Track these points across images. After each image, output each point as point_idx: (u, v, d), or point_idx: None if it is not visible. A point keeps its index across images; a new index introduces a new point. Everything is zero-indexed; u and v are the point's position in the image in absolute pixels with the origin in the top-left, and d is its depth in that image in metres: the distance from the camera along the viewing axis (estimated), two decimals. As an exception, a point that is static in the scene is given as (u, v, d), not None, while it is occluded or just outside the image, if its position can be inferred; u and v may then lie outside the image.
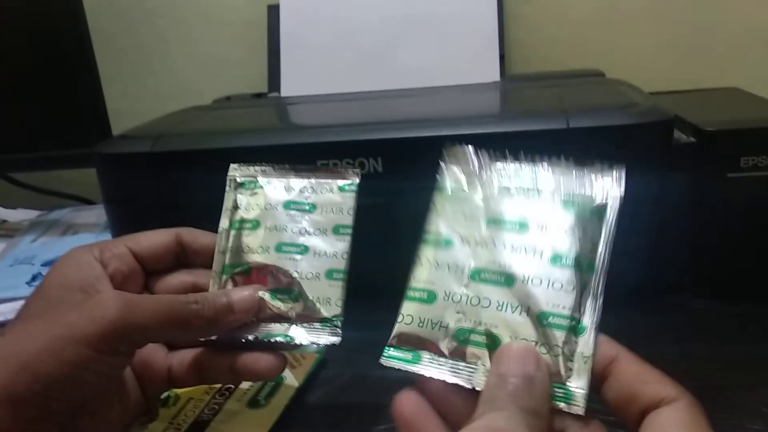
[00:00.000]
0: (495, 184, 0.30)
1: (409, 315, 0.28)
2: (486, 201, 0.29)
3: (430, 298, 0.28)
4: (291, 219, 0.35)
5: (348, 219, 0.35)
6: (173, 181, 0.48)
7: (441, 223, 0.29)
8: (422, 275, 0.28)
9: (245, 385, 0.39)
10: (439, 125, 0.48)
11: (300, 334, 0.32)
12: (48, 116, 0.70)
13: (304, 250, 0.34)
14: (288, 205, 0.35)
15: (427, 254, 0.29)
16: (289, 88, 0.71)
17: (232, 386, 0.39)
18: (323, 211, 0.35)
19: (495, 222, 0.29)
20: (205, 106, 0.69)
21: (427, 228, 0.29)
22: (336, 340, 0.32)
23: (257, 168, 0.36)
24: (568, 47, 0.77)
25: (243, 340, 0.32)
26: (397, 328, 0.28)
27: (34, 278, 0.59)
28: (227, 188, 0.36)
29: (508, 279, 0.27)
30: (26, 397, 0.25)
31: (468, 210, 0.29)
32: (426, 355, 0.27)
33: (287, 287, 0.33)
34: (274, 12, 0.74)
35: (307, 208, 0.35)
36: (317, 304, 0.33)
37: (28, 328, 0.27)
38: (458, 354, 0.27)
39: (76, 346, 0.25)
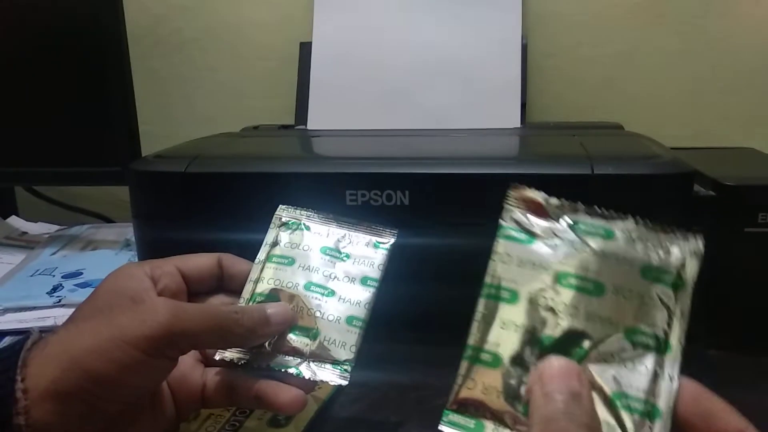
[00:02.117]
0: (566, 234, 0.27)
1: (472, 379, 0.25)
2: (557, 253, 0.26)
3: (496, 362, 0.25)
4: (324, 263, 0.37)
5: (376, 273, 0.37)
6: (205, 202, 0.50)
7: (504, 273, 0.26)
8: (486, 335, 0.26)
9: (266, 404, 0.40)
10: (466, 164, 0.49)
11: (309, 371, 0.34)
12: (79, 133, 0.72)
13: (331, 293, 0.36)
14: (324, 250, 0.37)
15: (490, 310, 0.26)
16: (316, 121, 0.73)
17: (253, 404, 0.40)
18: (355, 261, 0.37)
19: (567, 278, 0.26)
20: (234, 133, 0.71)
21: (488, 279, 0.27)
22: (343, 382, 0.34)
23: (303, 212, 0.39)
24: (588, 100, 0.80)
25: (256, 366, 0.34)
26: (459, 392, 0.25)
27: (54, 289, 0.60)
28: (272, 225, 0.39)
29: (581, 352, 0.25)
30: (74, 393, 0.26)
31: (536, 260, 0.26)
32: (490, 426, 0.25)
33: (307, 325, 0.35)
34: (305, 49, 0.77)
35: (341, 256, 0.37)
36: (333, 346, 0.34)
37: (80, 327, 0.28)
38: (526, 429, 0.24)
39: (125, 347, 0.26)
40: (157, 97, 0.87)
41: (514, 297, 0.26)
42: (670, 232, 0.27)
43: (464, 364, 0.25)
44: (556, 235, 0.27)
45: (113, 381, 0.26)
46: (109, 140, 0.71)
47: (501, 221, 0.28)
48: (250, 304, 0.36)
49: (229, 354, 0.34)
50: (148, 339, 0.27)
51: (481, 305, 0.26)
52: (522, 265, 0.26)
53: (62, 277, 0.63)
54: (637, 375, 0.25)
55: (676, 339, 0.25)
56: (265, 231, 0.39)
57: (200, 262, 0.36)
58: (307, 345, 0.34)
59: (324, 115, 0.74)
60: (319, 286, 0.36)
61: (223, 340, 0.32)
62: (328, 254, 0.37)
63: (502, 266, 0.26)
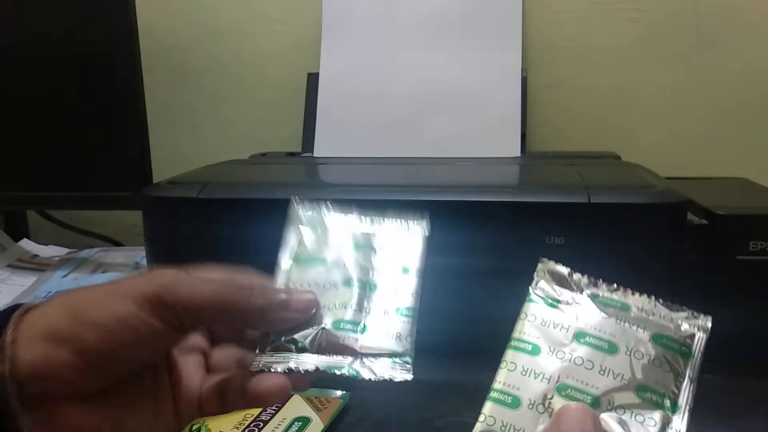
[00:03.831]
0: (586, 302, 0.30)
1: (492, 416, 0.28)
2: (577, 316, 0.30)
3: (515, 403, 0.28)
4: (359, 258, 0.34)
5: (416, 261, 0.34)
6: (216, 227, 0.52)
7: (530, 330, 0.30)
8: (507, 379, 0.29)
9: (274, 422, 0.41)
10: (468, 191, 0.51)
11: (367, 370, 0.30)
12: (92, 159, 0.74)
13: (373, 287, 0.33)
14: (356, 245, 0.34)
15: (513, 359, 0.29)
16: (322, 149, 0.76)
17: (261, 422, 0.41)
18: (392, 252, 0.34)
19: (584, 337, 0.29)
20: (243, 160, 0.73)
21: (515, 334, 0.30)
22: (408, 377, 0.30)
23: (321, 206, 0.35)
24: (586, 130, 0.82)
25: (303, 371, 0.30)
26: (479, 426, 0.28)
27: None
28: (289, 222, 0.35)
29: (594, 401, 0.28)
30: (68, 337, 0.26)
31: (558, 321, 0.30)
32: None
33: (353, 319, 0.32)
34: (313, 79, 0.79)
35: (374, 247, 0.34)
36: (387, 339, 0.31)
37: (85, 287, 0.29)
38: None
39: (121, 299, 0.27)
40: (166, 124, 0.90)
41: (536, 349, 0.29)
42: (681, 310, 0.30)
43: (487, 404, 0.28)
44: (577, 303, 0.31)
45: (108, 331, 0.26)
46: (121, 166, 0.73)
47: (530, 289, 0.31)
48: None
49: (267, 360, 0.31)
50: (143, 295, 0.27)
51: (506, 355, 0.30)
52: (545, 324, 0.30)
53: (74, 298, 0.65)
54: (646, 427, 0.27)
55: (684, 401, 0.28)
56: (276, 255, 0.35)
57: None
58: (357, 340, 0.31)
59: (330, 143, 0.76)
60: (360, 281, 0.33)
61: (228, 316, 0.30)
62: (360, 249, 0.34)
63: (527, 324, 0.30)
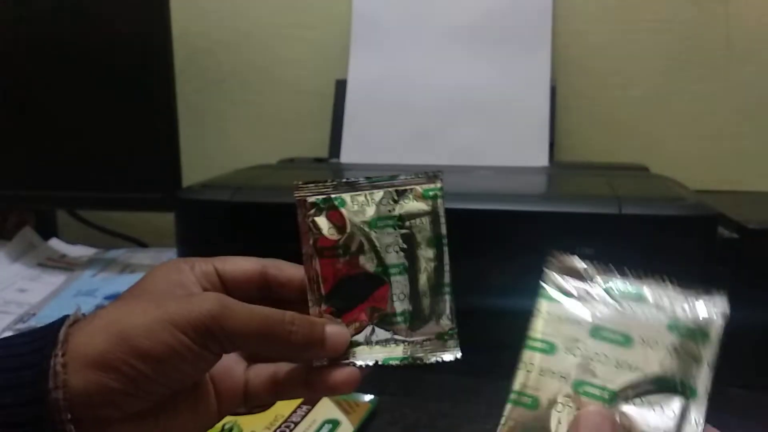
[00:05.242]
0: (600, 295, 0.30)
1: (512, 419, 0.28)
2: (591, 311, 0.30)
3: (534, 404, 0.28)
4: (381, 237, 0.32)
5: (440, 228, 0.32)
6: (248, 229, 0.53)
7: (544, 328, 0.30)
8: (526, 380, 0.29)
9: (305, 424, 0.42)
10: (497, 200, 0.52)
11: (419, 353, 0.31)
12: (123, 160, 0.76)
13: (403, 269, 0.32)
14: (374, 223, 0.32)
15: (530, 359, 0.29)
16: (348, 155, 0.76)
17: (292, 423, 0.42)
18: (412, 223, 0.32)
19: (599, 332, 0.29)
20: (271, 165, 0.74)
21: (530, 333, 0.30)
22: (457, 353, 0.31)
23: (326, 184, 0.33)
24: (614, 141, 0.82)
25: (359, 365, 0.31)
26: (501, 429, 0.28)
27: (97, 309, 0.63)
28: (298, 212, 0.33)
29: (611, 396, 0.28)
30: (120, 367, 0.26)
31: (573, 317, 0.30)
32: None
33: (393, 312, 0.32)
34: (341, 86, 0.80)
35: (394, 222, 0.32)
36: (429, 321, 0.32)
37: (131, 306, 0.29)
38: None
39: (173, 330, 0.27)
40: (194, 128, 0.91)
41: (552, 348, 0.30)
42: (697, 292, 0.30)
43: (508, 406, 0.29)
44: (591, 296, 0.31)
45: (159, 361, 0.27)
46: (151, 168, 0.74)
47: (543, 284, 0.31)
48: (323, 306, 0.32)
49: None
50: (193, 327, 0.28)
51: (523, 355, 0.30)
52: (560, 321, 0.30)
53: (104, 298, 0.66)
54: (664, 418, 0.27)
55: (702, 387, 0.28)
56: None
57: (240, 266, 0.34)
58: (402, 329, 0.32)
59: (357, 149, 0.77)
60: (389, 266, 0.32)
61: (268, 349, 0.31)
62: (380, 226, 0.32)
63: (542, 322, 0.30)
